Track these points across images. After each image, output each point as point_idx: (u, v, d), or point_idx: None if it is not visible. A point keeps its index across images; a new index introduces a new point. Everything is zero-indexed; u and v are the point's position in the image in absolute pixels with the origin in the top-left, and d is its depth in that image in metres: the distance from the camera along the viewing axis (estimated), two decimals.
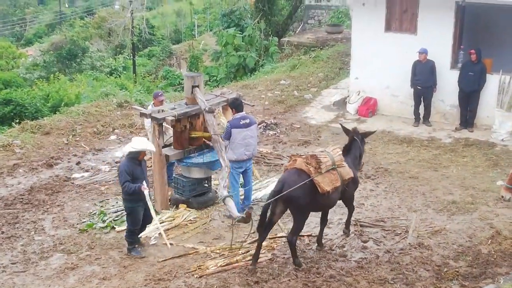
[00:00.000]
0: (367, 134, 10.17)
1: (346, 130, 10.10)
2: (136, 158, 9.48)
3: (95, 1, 71.57)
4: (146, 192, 9.37)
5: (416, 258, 9.28)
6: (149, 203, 9.52)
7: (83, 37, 43.23)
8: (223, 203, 9.78)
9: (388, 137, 14.89)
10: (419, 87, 15.36)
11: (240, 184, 11.20)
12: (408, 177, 12.48)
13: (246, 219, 9.09)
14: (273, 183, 12.01)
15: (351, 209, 9.91)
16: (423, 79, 15.22)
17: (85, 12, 63.14)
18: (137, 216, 9.60)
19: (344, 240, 9.95)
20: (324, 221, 9.70)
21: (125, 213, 9.93)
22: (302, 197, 8.79)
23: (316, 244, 9.73)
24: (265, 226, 9.06)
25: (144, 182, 9.42)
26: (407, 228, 10.24)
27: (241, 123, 10.59)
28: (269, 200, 8.93)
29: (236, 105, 10.89)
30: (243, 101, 12.29)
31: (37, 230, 10.60)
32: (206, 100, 11.23)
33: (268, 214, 9.02)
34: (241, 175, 11.02)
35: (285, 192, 8.75)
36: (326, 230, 10.28)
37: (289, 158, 9.56)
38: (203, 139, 11.20)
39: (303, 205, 8.92)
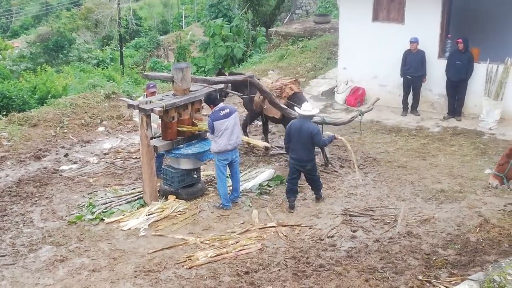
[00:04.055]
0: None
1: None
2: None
3: None
4: (342, 138, 10.94)
5: (405, 246, 9.32)
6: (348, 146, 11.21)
7: (70, 28, 42.87)
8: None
9: (377, 126, 14.92)
10: (409, 77, 15.38)
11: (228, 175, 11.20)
12: (397, 166, 12.52)
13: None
14: (262, 173, 12.06)
15: None
16: (414, 68, 15.24)
17: (72, 3, 62.48)
18: None
19: (334, 230, 9.99)
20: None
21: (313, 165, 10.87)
22: None
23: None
24: None
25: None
26: (396, 217, 10.29)
27: (221, 114, 10.57)
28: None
29: (211, 100, 10.80)
30: (230, 91, 12.30)
31: (25, 222, 10.53)
32: (194, 91, 11.21)
33: None
34: (227, 167, 10.99)
35: None
36: (315, 220, 10.34)
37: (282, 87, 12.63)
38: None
39: None
